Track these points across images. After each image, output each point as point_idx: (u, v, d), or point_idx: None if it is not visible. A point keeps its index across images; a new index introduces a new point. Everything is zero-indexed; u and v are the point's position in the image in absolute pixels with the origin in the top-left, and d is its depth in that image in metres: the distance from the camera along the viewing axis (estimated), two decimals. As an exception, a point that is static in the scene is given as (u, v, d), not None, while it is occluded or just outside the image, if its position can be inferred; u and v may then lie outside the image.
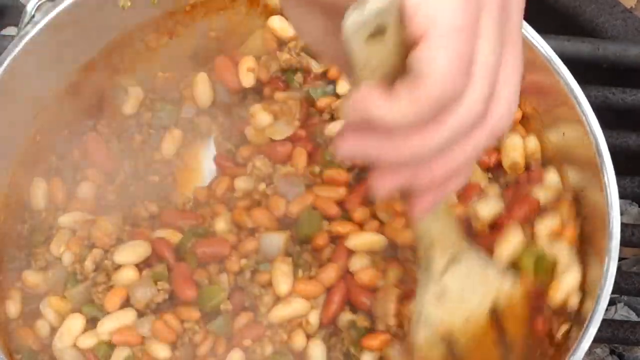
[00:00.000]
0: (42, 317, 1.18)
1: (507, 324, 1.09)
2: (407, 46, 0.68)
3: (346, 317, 1.14)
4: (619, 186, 1.15)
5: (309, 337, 1.13)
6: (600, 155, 1.15)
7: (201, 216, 1.22)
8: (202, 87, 1.30)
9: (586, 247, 1.19)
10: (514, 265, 1.13)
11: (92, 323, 1.16)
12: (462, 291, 1.03)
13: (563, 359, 1.09)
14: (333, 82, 1.28)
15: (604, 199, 1.13)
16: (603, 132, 1.16)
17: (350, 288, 1.14)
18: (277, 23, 1.30)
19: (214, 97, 1.30)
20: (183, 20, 1.30)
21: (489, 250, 1.12)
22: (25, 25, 1.17)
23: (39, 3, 1.18)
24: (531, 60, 1.21)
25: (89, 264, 1.18)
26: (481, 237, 1.15)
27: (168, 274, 1.15)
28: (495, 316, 1.08)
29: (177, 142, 1.30)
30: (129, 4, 1.21)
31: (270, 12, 1.31)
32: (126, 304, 1.15)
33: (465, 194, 1.18)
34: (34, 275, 1.20)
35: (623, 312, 1.55)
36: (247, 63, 1.28)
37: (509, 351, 1.11)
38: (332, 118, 1.25)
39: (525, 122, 1.25)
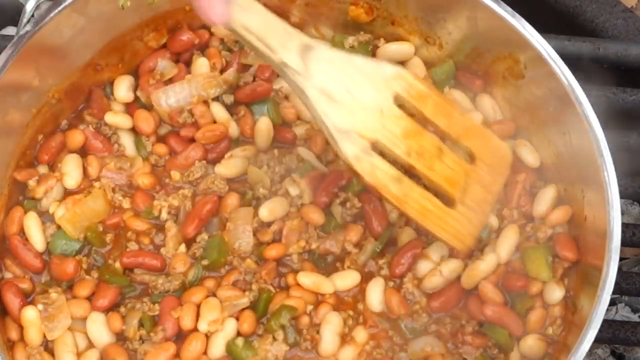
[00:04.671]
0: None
1: (439, 120, 1.12)
2: None
3: None
4: (620, 186, 1.14)
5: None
6: (601, 155, 1.15)
7: None
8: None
9: (585, 248, 1.20)
10: None
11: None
12: (344, 84, 1.07)
13: (564, 360, 1.09)
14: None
15: (605, 199, 1.13)
16: (604, 131, 1.16)
17: None
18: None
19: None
20: (184, 19, 1.30)
21: None
22: (25, 25, 1.17)
23: (38, 3, 1.17)
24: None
25: None
26: None
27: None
28: (418, 117, 1.11)
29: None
30: (129, 3, 1.21)
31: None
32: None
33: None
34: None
35: (624, 313, 1.54)
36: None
37: (473, 161, 1.14)
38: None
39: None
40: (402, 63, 1.32)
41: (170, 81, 1.28)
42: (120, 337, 1.18)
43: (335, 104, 1.07)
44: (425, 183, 1.13)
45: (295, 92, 1.10)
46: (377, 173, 1.10)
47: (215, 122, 1.29)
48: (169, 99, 1.27)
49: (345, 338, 1.20)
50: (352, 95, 1.08)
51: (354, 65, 1.09)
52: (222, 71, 1.30)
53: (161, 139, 1.30)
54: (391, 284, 1.22)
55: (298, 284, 1.20)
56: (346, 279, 1.22)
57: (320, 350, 1.18)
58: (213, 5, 0.99)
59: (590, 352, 1.43)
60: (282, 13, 1.32)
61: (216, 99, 1.29)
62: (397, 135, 1.10)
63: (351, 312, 1.21)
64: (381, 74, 1.10)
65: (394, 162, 1.11)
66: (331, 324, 1.19)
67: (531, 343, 1.18)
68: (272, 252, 1.22)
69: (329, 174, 1.25)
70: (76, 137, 1.27)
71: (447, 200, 1.14)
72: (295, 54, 1.05)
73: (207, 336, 1.17)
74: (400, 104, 1.11)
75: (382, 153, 1.10)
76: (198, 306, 1.18)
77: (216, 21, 1.00)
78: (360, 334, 1.20)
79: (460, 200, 1.14)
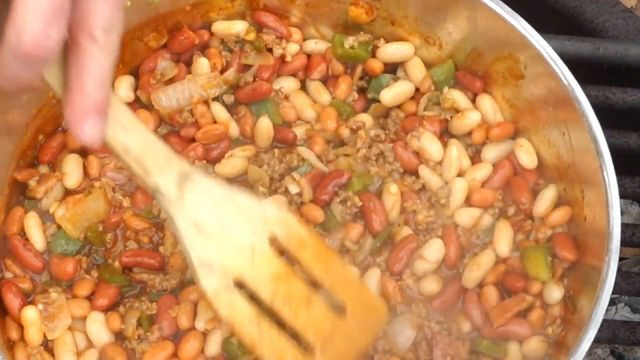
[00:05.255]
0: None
1: (315, 268, 1.07)
2: None
3: None
4: (620, 186, 1.14)
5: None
6: (600, 155, 1.15)
7: None
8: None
9: (585, 248, 1.19)
10: None
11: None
12: (217, 218, 1.03)
13: (563, 360, 1.09)
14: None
15: (605, 199, 1.13)
16: (603, 132, 1.16)
17: None
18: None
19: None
20: (184, 19, 1.30)
21: None
22: (25, 25, 1.17)
23: (38, 3, 1.17)
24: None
25: None
26: None
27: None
28: (294, 261, 1.06)
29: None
30: (129, 3, 1.21)
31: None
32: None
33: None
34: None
35: (624, 313, 1.55)
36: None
37: (346, 314, 1.08)
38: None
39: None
40: (402, 63, 1.33)
41: (170, 81, 1.28)
42: (119, 337, 1.19)
43: (203, 237, 1.02)
44: (287, 327, 1.07)
45: (167, 218, 1.05)
46: (235, 312, 1.04)
47: (215, 122, 1.29)
48: (169, 99, 1.27)
49: None
50: (224, 230, 1.03)
51: (233, 201, 1.04)
52: (222, 71, 1.30)
53: (161, 139, 1.30)
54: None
55: None
56: None
57: None
58: (84, 123, 0.87)
59: (590, 352, 1.43)
60: (282, 13, 1.32)
61: (216, 99, 1.29)
62: (265, 278, 1.05)
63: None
64: (261, 214, 1.06)
65: (256, 299, 1.06)
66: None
67: (534, 345, 1.18)
68: None
69: (329, 173, 1.25)
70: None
71: (308, 347, 1.08)
72: (172, 181, 1.00)
73: (204, 334, 1.17)
74: (276, 245, 1.06)
75: (246, 290, 1.05)
76: (195, 305, 1.18)
77: (87, 141, 0.87)
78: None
79: (321, 350, 1.08)
